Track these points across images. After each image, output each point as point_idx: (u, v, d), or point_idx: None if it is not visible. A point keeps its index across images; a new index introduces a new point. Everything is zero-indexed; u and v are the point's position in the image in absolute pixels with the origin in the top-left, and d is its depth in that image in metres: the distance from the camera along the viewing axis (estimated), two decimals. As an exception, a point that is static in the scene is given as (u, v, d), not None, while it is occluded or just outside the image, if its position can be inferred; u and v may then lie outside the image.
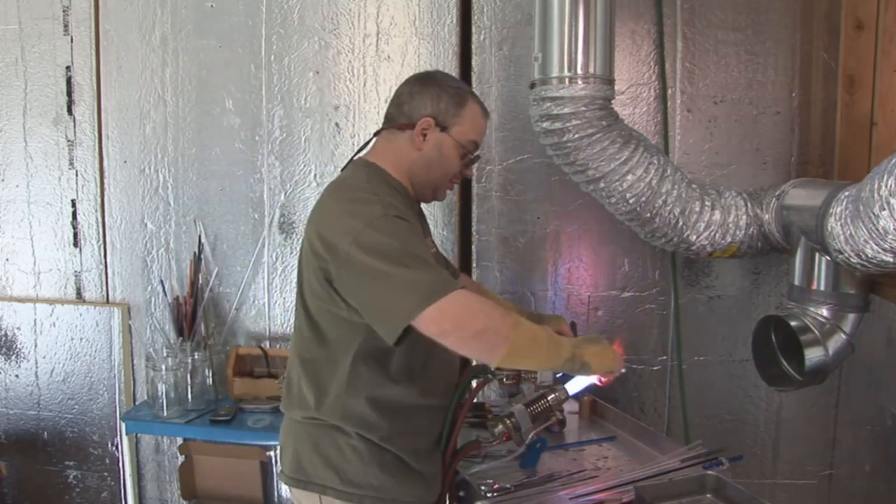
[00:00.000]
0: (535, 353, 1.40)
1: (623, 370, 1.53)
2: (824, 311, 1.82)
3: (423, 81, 1.59)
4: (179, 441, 2.48)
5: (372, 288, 1.34)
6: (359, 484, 1.46)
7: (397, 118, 1.58)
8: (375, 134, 1.64)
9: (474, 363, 2.31)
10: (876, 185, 1.41)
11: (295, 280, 2.39)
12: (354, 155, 1.64)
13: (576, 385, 1.62)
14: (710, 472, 1.54)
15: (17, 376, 2.61)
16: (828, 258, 1.74)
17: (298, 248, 1.63)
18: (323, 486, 1.48)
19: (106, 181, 2.49)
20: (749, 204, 2.00)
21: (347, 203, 1.43)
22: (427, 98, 1.55)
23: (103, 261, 2.52)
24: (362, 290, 1.36)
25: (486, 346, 1.33)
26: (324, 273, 1.41)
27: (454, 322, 1.29)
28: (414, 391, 1.50)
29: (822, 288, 1.82)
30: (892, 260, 1.46)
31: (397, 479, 1.48)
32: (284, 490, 2.44)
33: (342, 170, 1.63)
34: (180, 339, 2.36)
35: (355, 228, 1.34)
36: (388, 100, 1.61)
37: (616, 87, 2.00)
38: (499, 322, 1.32)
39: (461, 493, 1.64)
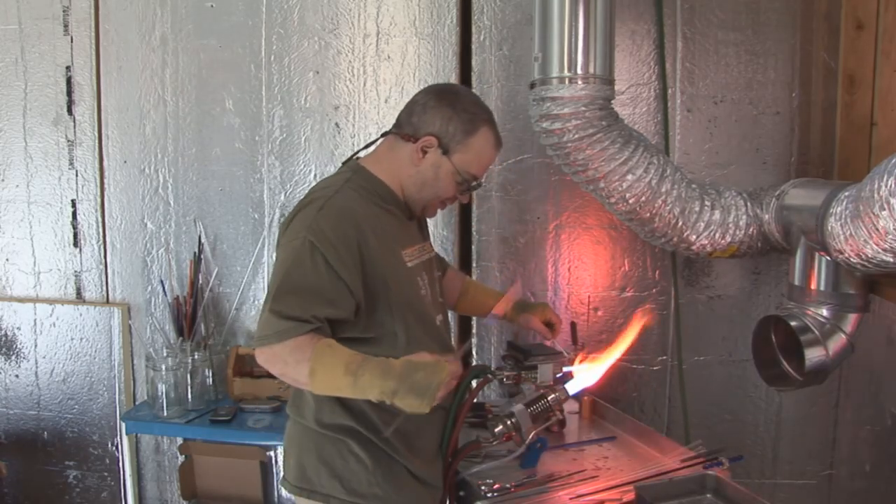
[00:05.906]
0: (339, 393, 1.40)
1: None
2: (824, 311, 1.82)
3: (441, 97, 1.51)
4: (179, 441, 2.48)
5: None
6: (363, 494, 1.45)
7: (405, 127, 1.52)
8: (383, 135, 1.59)
9: (474, 363, 2.33)
10: (876, 185, 1.41)
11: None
12: (356, 153, 1.62)
13: (576, 385, 1.62)
14: (710, 472, 1.54)
15: (17, 376, 2.61)
16: (828, 258, 1.74)
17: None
18: (327, 495, 1.46)
19: (106, 181, 2.49)
20: (749, 204, 2.00)
21: (303, 206, 1.46)
22: (438, 116, 1.48)
23: (103, 261, 2.52)
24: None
25: (291, 383, 1.44)
26: None
27: (266, 365, 1.39)
28: None
29: (822, 288, 1.82)
30: (892, 260, 1.46)
31: (400, 487, 1.47)
32: (285, 490, 2.43)
33: (343, 163, 1.61)
34: (180, 339, 2.36)
35: (291, 232, 1.41)
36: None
37: (616, 87, 2.00)
38: (294, 372, 1.37)
39: (461, 493, 1.64)
